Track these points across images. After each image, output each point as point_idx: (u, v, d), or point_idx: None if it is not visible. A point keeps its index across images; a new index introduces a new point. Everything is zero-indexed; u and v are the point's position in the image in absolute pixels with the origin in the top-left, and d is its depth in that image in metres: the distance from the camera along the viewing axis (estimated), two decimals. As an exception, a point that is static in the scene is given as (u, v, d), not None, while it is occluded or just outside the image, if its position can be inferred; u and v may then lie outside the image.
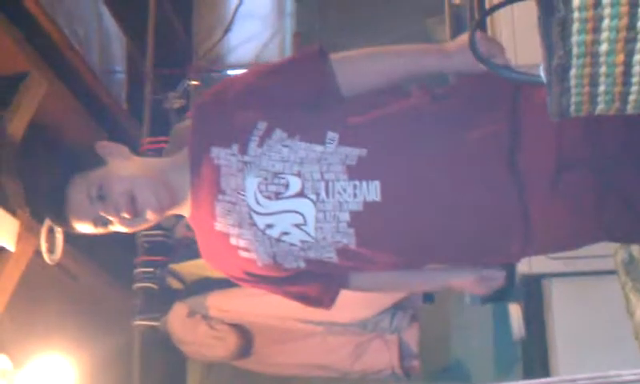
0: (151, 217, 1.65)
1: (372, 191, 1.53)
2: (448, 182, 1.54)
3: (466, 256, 1.64)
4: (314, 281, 1.74)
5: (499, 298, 3.58)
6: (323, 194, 1.54)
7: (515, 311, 3.54)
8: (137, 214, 1.63)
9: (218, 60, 4.88)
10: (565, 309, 2.97)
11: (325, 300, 1.78)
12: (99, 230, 1.67)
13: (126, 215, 1.61)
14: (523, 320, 3.48)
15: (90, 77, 4.11)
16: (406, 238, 1.58)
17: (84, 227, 1.66)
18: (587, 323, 2.90)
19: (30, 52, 3.41)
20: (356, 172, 1.54)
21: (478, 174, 1.53)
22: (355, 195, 1.54)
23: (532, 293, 3.18)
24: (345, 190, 1.54)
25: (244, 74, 1.75)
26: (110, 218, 1.62)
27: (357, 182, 1.54)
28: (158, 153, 3.98)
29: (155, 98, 4.42)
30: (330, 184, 1.54)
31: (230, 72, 4.76)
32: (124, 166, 1.67)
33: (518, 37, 3.00)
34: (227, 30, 4.81)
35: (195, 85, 4.48)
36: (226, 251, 1.66)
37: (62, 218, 1.65)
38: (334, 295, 1.78)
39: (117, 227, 1.66)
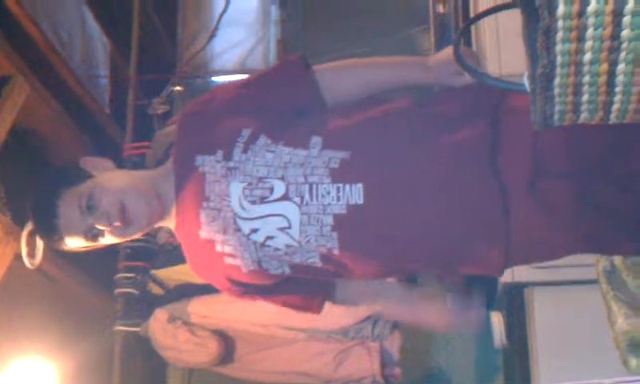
0: (142, 225, 1.65)
1: (355, 194, 1.53)
2: (431, 185, 1.54)
3: (448, 262, 1.63)
4: (299, 289, 1.74)
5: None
6: (307, 197, 1.54)
7: (497, 319, 3.53)
8: (128, 223, 1.62)
9: (202, 66, 4.86)
10: (547, 317, 2.97)
11: (313, 305, 1.79)
12: (89, 244, 1.66)
13: (117, 224, 1.61)
14: (505, 328, 3.49)
15: (73, 81, 4.09)
16: (389, 242, 1.57)
17: (75, 241, 1.65)
18: (569, 332, 2.91)
19: (13, 55, 3.38)
20: (339, 175, 1.54)
21: (461, 177, 1.53)
22: (339, 198, 1.53)
23: (514, 301, 3.18)
24: (328, 193, 1.54)
25: (229, 83, 1.77)
26: (102, 227, 1.61)
27: (340, 185, 1.53)
28: (141, 158, 3.97)
29: (138, 103, 4.40)
30: (314, 187, 1.54)
31: (215, 78, 4.75)
32: (111, 178, 1.67)
33: (502, 45, 3.01)
34: (211, 37, 4.80)
35: (179, 90, 4.46)
36: (212, 259, 1.66)
37: (54, 234, 1.64)
38: (321, 302, 1.79)
39: (107, 239, 1.65)
